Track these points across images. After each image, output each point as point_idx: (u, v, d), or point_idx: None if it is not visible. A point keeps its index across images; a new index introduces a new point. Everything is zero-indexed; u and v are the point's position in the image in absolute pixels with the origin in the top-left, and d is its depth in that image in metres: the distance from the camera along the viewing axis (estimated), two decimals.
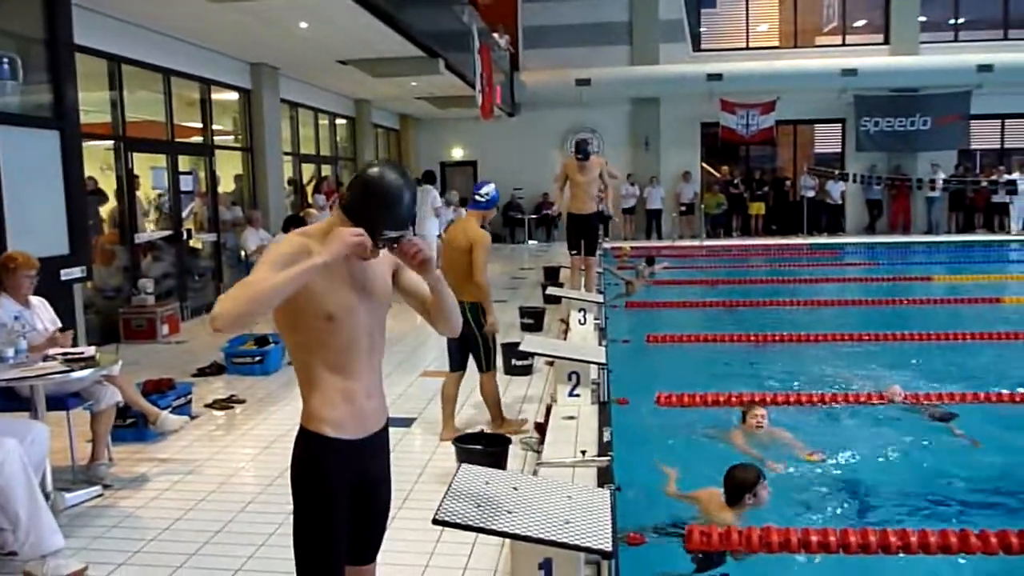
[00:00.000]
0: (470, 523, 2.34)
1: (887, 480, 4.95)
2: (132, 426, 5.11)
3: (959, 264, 15.36)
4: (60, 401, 4.41)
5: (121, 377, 4.68)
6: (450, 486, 2.55)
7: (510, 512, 2.42)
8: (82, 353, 4.15)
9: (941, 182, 19.02)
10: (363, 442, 2.28)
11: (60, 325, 4.76)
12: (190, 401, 5.86)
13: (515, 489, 2.62)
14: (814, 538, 3.67)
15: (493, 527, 2.32)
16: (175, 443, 5.15)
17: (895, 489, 4.83)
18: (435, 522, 2.34)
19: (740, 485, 4.00)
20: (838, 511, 4.48)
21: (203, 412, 5.97)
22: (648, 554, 3.67)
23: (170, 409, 5.49)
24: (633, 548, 3.66)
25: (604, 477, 3.69)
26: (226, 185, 12.09)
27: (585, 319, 7.24)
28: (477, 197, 5.52)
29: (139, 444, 5.13)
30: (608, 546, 2.30)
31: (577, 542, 2.29)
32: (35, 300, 4.69)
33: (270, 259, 2.09)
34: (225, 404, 6.12)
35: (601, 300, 8.25)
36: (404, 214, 2.19)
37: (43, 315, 4.66)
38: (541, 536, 2.29)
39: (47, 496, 3.90)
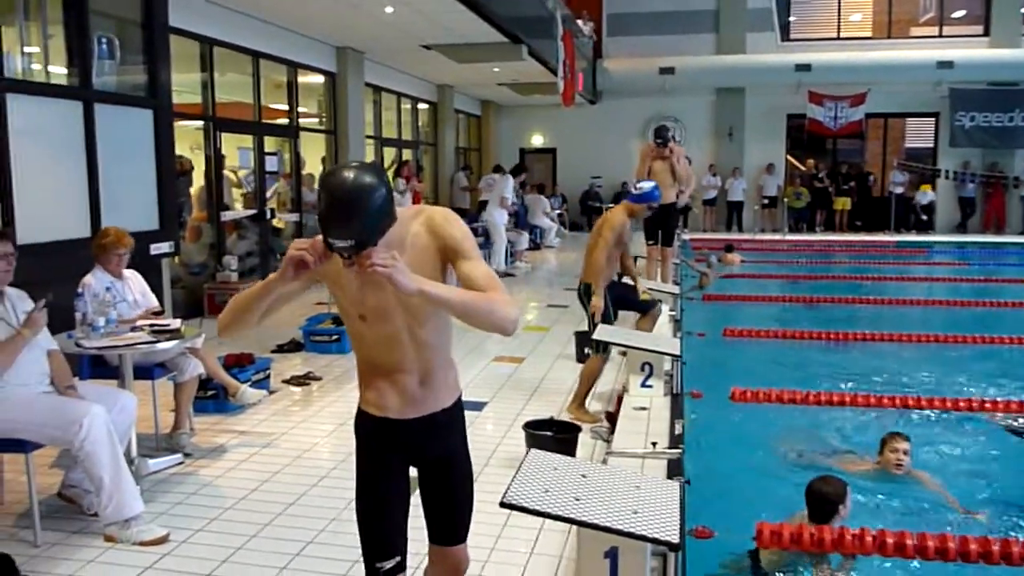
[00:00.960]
0: (537, 507, 2.34)
1: (963, 489, 4.77)
2: (213, 398, 5.27)
3: None
4: (146, 371, 4.58)
5: (204, 350, 4.82)
6: (518, 470, 2.56)
7: (578, 499, 2.41)
8: (168, 325, 4.28)
9: None
10: (414, 422, 2.32)
11: (154, 300, 4.93)
12: (268, 376, 6.01)
13: (584, 476, 2.61)
14: (890, 540, 3.57)
15: (560, 512, 2.32)
16: (253, 416, 5.30)
17: (974, 498, 4.66)
18: (503, 505, 2.34)
19: (827, 499, 3.62)
20: (914, 516, 4.34)
21: (281, 387, 6.12)
22: (716, 549, 3.61)
23: (249, 383, 5.65)
24: (700, 542, 3.61)
25: (674, 469, 3.65)
26: (311, 167, 12.33)
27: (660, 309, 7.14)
28: (633, 189, 6.11)
29: (219, 416, 5.29)
30: (675, 538, 2.27)
31: (644, 532, 2.27)
32: (128, 273, 4.85)
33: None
34: (302, 380, 6.25)
35: (677, 291, 8.11)
36: (354, 222, 1.89)
37: (134, 288, 4.83)
38: (608, 525, 2.28)
39: (131, 462, 4.05)
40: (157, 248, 7.02)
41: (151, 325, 4.27)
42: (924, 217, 19.12)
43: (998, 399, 5.95)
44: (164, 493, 4.09)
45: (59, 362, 3.78)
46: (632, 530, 2.28)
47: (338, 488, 4.17)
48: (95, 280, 4.64)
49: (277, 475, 4.36)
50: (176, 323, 4.36)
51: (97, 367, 4.54)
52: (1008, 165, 18.95)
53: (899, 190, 19.12)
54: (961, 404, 5.87)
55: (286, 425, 5.23)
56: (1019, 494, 4.73)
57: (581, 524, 2.31)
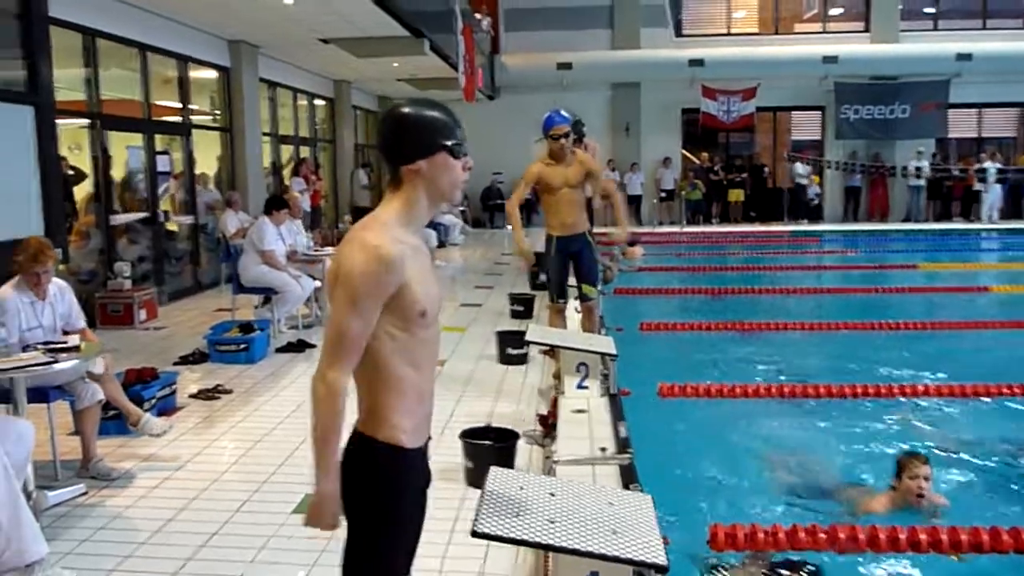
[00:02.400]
0: (514, 535, 2.14)
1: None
2: (115, 418, 4.83)
3: (939, 252, 15.41)
4: (41, 393, 4.15)
5: (104, 375, 4.40)
6: (483, 493, 2.35)
7: (552, 521, 2.23)
8: (65, 343, 3.88)
9: (927, 170, 19.01)
10: (424, 449, 2.12)
11: (79, 320, 4.51)
12: (175, 392, 5.60)
13: (552, 495, 2.42)
14: (842, 535, 3.53)
15: (538, 539, 2.13)
16: (161, 437, 4.89)
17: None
18: (475, 535, 2.14)
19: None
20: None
21: (189, 403, 5.71)
22: (672, 555, 3.50)
23: (155, 400, 5.25)
24: None
25: (626, 475, 3.52)
26: (205, 166, 11.74)
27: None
28: None
29: (123, 437, 4.85)
30: (663, 560, 2.12)
31: (630, 556, 2.10)
32: (55, 288, 4.38)
33: (361, 296, 1.91)
34: (211, 394, 5.86)
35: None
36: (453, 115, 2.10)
37: (57, 308, 4.37)
38: (591, 550, 2.10)
39: (28, 496, 3.65)
40: None
41: (45, 343, 3.86)
42: (814, 203, 19.75)
43: (904, 384, 6.08)
44: (68, 529, 3.69)
45: None
46: (617, 554, 2.11)
47: (264, 512, 3.86)
48: (13, 295, 4.17)
49: (194, 501, 4.01)
50: (74, 339, 3.96)
51: None
52: (890, 156, 19.77)
53: (803, 182, 19.64)
54: (882, 390, 5.99)
55: (199, 445, 4.86)
56: None
57: (563, 551, 2.13)
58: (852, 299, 10.45)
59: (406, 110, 2.04)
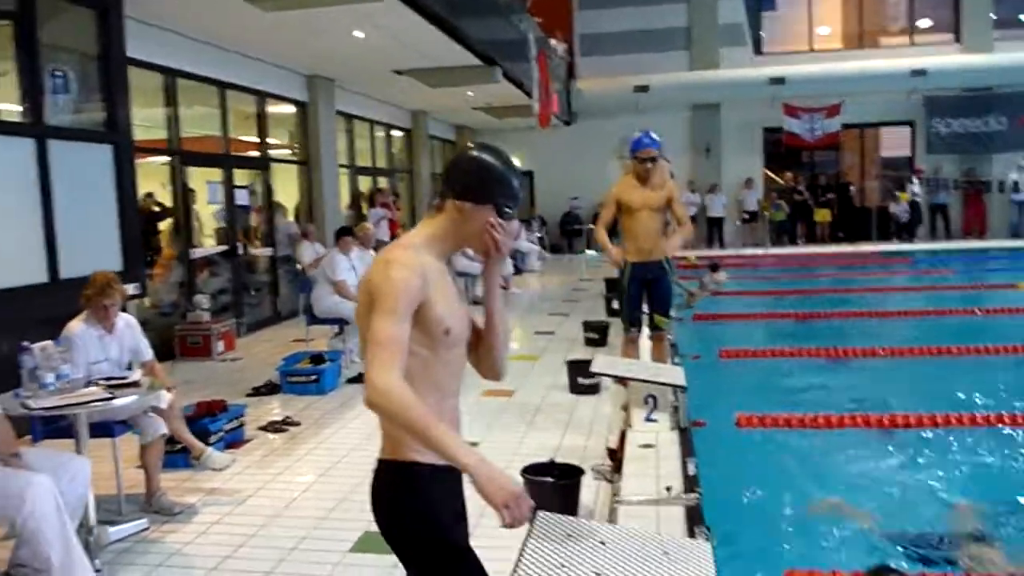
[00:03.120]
0: None
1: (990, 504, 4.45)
2: (183, 452, 4.85)
3: None
4: (106, 428, 4.18)
5: (168, 410, 4.42)
6: (525, 544, 2.20)
7: (599, 575, 2.06)
8: (126, 378, 3.90)
9: None
10: (455, 470, 1.99)
11: (147, 352, 4.56)
12: (243, 424, 5.61)
13: (602, 544, 2.26)
14: None
15: None
16: (226, 471, 4.88)
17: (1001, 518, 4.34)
18: None
19: None
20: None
21: (257, 435, 5.71)
22: None
23: (222, 433, 5.26)
24: None
25: (693, 516, 3.31)
26: (284, 198, 11.97)
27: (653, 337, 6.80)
28: None
29: (189, 471, 4.86)
30: None
31: None
32: (123, 323, 4.44)
33: (397, 302, 1.91)
34: (279, 426, 5.85)
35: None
36: (520, 181, 2.12)
37: (126, 342, 4.43)
38: None
39: (90, 530, 3.67)
40: None
41: (107, 379, 3.88)
42: (905, 218, 18.99)
43: (1003, 412, 5.66)
44: (127, 566, 3.68)
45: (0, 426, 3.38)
46: None
47: (321, 550, 3.78)
48: (82, 329, 4.24)
49: (253, 538, 3.96)
50: (136, 375, 3.98)
51: (51, 427, 4.13)
52: (986, 171, 18.90)
53: (896, 210, 18.92)
54: (968, 419, 5.59)
55: (262, 479, 4.83)
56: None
57: None
58: (946, 322, 9.90)
59: (485, 156, 2.09)
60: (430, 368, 2.01)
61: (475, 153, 2.10)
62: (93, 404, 3.59)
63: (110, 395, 3.65)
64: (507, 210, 2.07)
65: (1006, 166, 18.54)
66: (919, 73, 18.18)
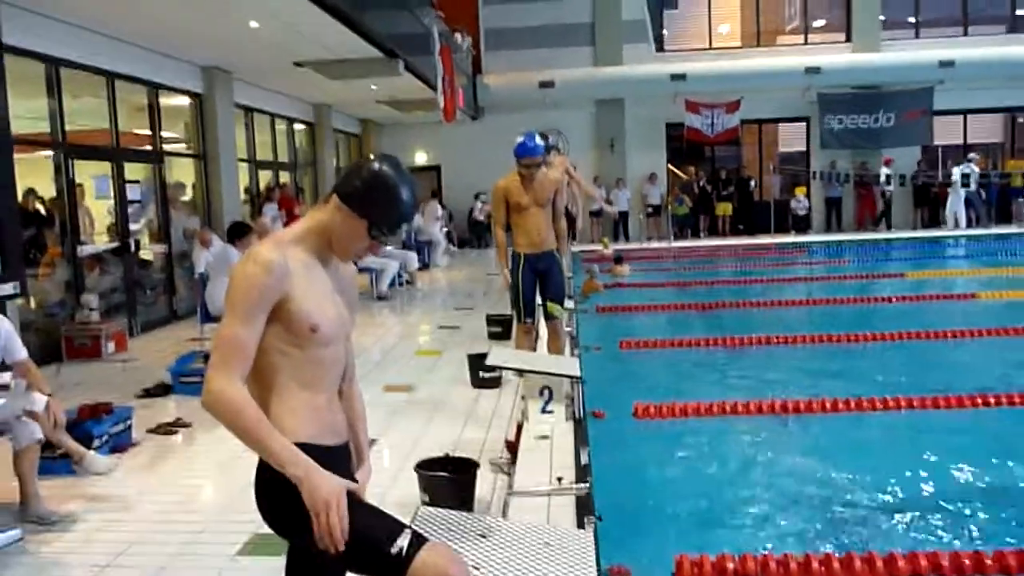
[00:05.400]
0: None
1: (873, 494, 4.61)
2: (63, 457, 4.63)
3: (926, 260, 15.27)
4: None
5: (44, 413, 4.19)
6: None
7: (478, 568, 2.04)
8: None
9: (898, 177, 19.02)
10: (337, 449, 2.06)
11: (20, 351, 4.27)
12: (130, 427, 5.39)
13: (483, 537, 2.24)
14: (815, 564, 3.35)
15: None
16: (111, 475, 4.69)
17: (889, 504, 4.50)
18: None
19: None
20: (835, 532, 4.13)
21: (146, 438, 5.50)
22: None
23: (106, 437, 5.05)
24: None
25: (584, 505, 3.33)
26: (180, 192, 11.58)
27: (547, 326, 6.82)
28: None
29: (70, 477, 4.64)
30: None
31: None
32: None
33: (245, 302, 1.89)
34: (169, 428, 5.65)
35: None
36: (408, 212, 2.07)
37: None
38: None
39: None
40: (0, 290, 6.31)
41: None
42: (805, 211, 19.66)
43: (899, 396, 5.87)
44: None
45: None
46: None
47: (206, 555, 3.66)
48: None
49: (135, 544, 3.80)
50: (5, 377, 3.77)
51: None
52: (876, 165, 19.69)
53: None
54: (860, 404, 5.78)
55: (149, 483, 4.65)
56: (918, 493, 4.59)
57: None
58: (840, 310, 10.26)
59: (384, 170, 2.03)
60: (299, 367, 1.98)
61: (377, 165, 2.04)
62: None
63: None
64: (378, 235, 2.03)
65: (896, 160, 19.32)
66: (813, 71, 18.85)
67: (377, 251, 2.10)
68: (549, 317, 6.09)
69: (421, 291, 12.90)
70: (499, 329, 8.40)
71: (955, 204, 18.41)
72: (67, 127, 8.74)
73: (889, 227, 19.15)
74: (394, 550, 1.86)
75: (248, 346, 1.89)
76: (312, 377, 2.00)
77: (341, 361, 2.12)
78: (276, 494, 1.94)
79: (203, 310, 7.94)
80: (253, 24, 8.99)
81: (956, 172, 18.45)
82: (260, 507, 2.03)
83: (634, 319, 10.04)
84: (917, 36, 20.30)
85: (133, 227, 9.97)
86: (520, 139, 5.88)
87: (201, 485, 4.62)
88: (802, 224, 19.72)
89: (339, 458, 2.07)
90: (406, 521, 2.06)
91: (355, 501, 1.96)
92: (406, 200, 2.03)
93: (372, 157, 2.07)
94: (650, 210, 19.99)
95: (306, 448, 1.93)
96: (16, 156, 7.02)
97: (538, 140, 5.89)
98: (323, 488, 1.84)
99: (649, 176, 20.09)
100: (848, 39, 20.03)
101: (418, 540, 1.90)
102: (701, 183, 19.97)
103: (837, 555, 3.41)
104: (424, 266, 15.26)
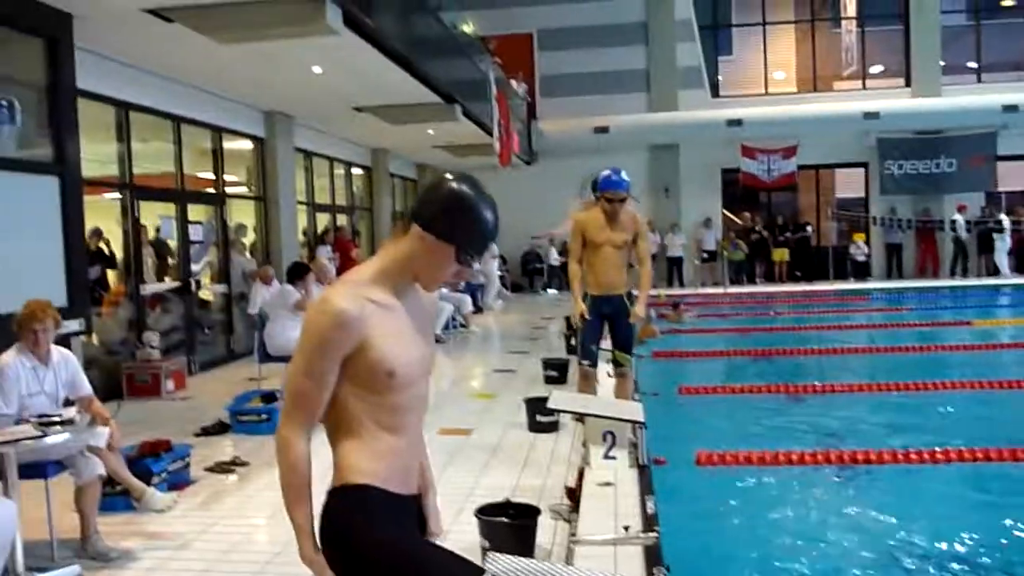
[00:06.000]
0: None
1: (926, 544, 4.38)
2: (122, 493, 4.64)
3: (991, 308, 14.81)
4: (39, 468, 3.98)
5: (106, 449, 4.22)
6: None
7: None
8: (60, 415, 3.72)
9: (961, 223, 18.55)
10: (409, 499, 2.01)
11: (85, 387, 4.38)
12: (188, 465, 5.40)
13: None
14: None
15: None
16: (169, 513, 4.67)
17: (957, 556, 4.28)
18: None
19: None
20: None
21: (203, 476, 5.50)
22: None
23: (165, 474, 5.05)
24: None
25: (651, 555, 3.20)
26: (242, 234, 11.78)
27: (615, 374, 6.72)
28: None
29: (128, 514, 4.64)
30: None
31: None
32: (58, 356, 4.28)
33: (312, 352, 1.85)
34: (227, 467, 5.65)
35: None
36: (493, 231, 1.98)
37: (61, 375, 4.24)
38: None
39: None
40: (65, 327, 6.40)
41: (39, 416, 3.70)
42: (861, 261, 19.30)
43: (963, 448, 5.63)
44: None
45: None
46: None
47: None
48: (14, 360, 4.06)
49: None
50: (70, 412, 3.79)
51: None
52: (938, 211, 19.29)
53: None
54: (926, 456, 5.54)
55: (207, 521, 4.63)
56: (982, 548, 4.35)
57: None
58: (904, 359, 9.95)
59: (463, 189, 1.93)
60: (377, 412, 1.91)
61: (454, 184, 1.93)
62: (22, 442, 3.40)
63: (41, 433, 3.46)
64: (467, 258, 1.94)
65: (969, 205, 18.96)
66: (872, 116, 18.60)
67: (465, 276, 2.04)
68: (618, 365, 5.95)
69: (475, 334, 12.85)
70: (555, 373, 8.30)
71: (1002, 249, 18.03)
72: (135, 170, 8.96)
73: (965, 274, 18.65)
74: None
75: (313, 398, 1.86)
76: (392, 421, 1.92)
77: (424, 401, 2.04)
78: (345, 529, 1.90)
79: (261, 349, 7.97)
80: (316, 69, 9.16)
81: (1005, 219, 18.08)
82: (325, 540, 1.94)
83: (691, 365, 9.88)
84: (979, 80, 19.96)
85: (194, 267, 10.15)
86: (605, 172, 5.79)
87: (258, 525, 4.58)
88: (861, 271, 19.33)
89: (407, 508, 2.00)
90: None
91: (435, 545, 1.93)
92: (490, 218, 1.94)
93: (448, 177, 1.96)
94: (705, 256, 19.80)
95: (376, 491, 1.88)
96: (85, 198, 7.20)
97: (623, 175, 5.81)
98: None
99: (704, 221, 19.93)
100: (907, 84, 19.78)
101: None
102: (757, 228, 19.73)
103: None
104: (478, 309, 15.25)
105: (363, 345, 1.84)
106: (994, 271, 18.54)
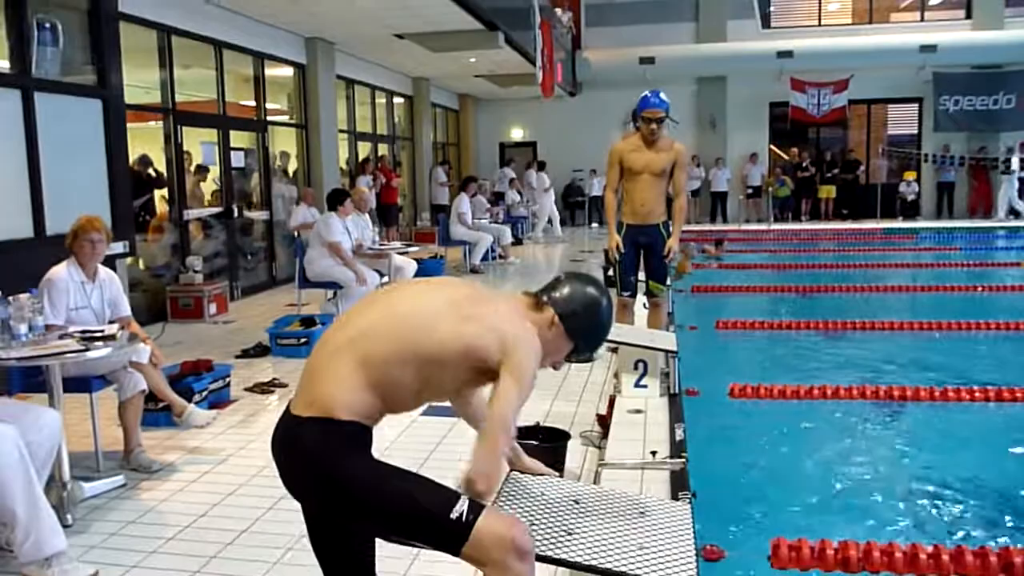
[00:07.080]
0: None
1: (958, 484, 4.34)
2: (164, 410, 4.77)
3: None
4: (84, 383, 4.10)
5: (148, 365, 4.33)
6: (495, 500, 2.11)
7: (570, 533, 1.98)
8: (102, 331, 3.81)
9: (1015, 163, 17.90)
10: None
11: (125, 308, 4.51)
12: (228, 384, 5.53)
13: (576, 503, 2.17)
14: (922, 556, 3.16)
15: (551, 553, 1.88)
16: (209, 430, 4.81)
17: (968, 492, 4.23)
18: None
19: None
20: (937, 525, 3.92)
21: (243, 395, 5.64)
22: (727, 571, 3.19)
23: (206, 392, 5.18)
24: (710, 563, 3.18)
25: (678, 481, 3.22)
26: (286, 162, 11.84)
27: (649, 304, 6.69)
28: None
29: (172, 430, 4.79)
30: None
31: (653, 574, 1.83)
32: (104, 275, 4.41)
33: (523, 392, 2.00)
34: (266, 388, 5.77)
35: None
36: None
37: (106, 293, 4.38)
38: (611, 567, 1.84)
39: (64, 485, 3.59)
40: (110, 249, 6.53)
41: (82, 331, 3.79)
42: (911, 200, 18.83)
43: (1001, 387, 5.53)
44: (99, 522, 3.61)
45: None
46: (638, 572, 1.84)
47: (298, 510, 3.69)
48: (66, 273, 4.19)
49: (229, 496, 3.89)
50: (112, 328, 3.88)
51: (29, 380, 4.05)
52: (994, 149, 18.67)
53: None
54: (964, 394, 5.46)
55: (245, 438, 4.76)
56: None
57: (578, 567, 1.87)
58: (948, 298, 9.77)
59: (605, 307, 2.23)
60: (431, 392, 2.13)
61: (604, 302, 2.22)
62: (66, 356, 3.49)
63: (83, 347, 3.55)
64: (575, 360, 2.26)
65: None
66: (928, 49, 17.91)
67: (560, 367, 2.29)
68: (651, 295, 5.93)
69: (513, 265, 12.86)
70: None
71: (1009, 191, 17.50)
72: (177, 97, 9.00)
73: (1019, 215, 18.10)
74: (454, 515, 1.85)
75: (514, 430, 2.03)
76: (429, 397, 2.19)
77: None
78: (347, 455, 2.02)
79: (301, 275, 8.07)
80: None
81: (1014, 157, 17.49)
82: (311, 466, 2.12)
83: (731, 300, 9.80)
84: None
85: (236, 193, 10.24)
86: (644, 94, 5.70)
87: None
88: (911, 210, 18.88)
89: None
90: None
91: (411, 475, 1.96)
92: (608, 335, 2.30)
93: (594, 286, 2.22)
94: (750, 191, 19.47)
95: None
96: (129, 124, 7.26)
97: (663, 96, 5.69)
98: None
99: (750, 156, 19.56)
100: (968, 16, 18.98)
101: (476, 506, 1.87)
102: (804, 164, 19.32)
103: (947, 547, 3.21)
104: (517, 240, 15.24)
105: None
106: None
